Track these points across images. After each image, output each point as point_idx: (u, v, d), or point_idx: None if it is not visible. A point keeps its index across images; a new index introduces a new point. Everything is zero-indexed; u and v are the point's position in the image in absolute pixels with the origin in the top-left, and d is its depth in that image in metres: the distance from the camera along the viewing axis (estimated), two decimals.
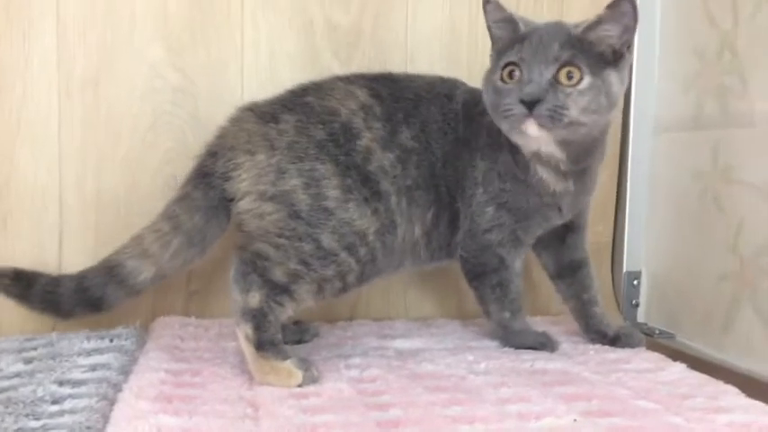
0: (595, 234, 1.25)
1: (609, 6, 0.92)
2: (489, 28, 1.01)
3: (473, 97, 1.05)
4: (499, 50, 0.99)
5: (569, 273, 1.13)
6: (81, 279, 1.01)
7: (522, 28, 0.97)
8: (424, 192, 1.01)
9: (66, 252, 1.17)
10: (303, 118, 0.97)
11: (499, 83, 0.96)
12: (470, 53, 1.27)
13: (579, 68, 0.91)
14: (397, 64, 1.23)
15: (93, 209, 1.18)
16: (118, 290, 1.01)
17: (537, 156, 0.99)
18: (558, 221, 1.07)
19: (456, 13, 1.27)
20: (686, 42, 1.21)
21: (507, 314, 1.06)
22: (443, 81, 1.08)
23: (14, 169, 1.15)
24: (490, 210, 1.03)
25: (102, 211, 1.18)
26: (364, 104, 1.00)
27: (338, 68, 1.22)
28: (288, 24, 1.22)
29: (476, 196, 1.03)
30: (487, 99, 0.98)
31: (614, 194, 1.33)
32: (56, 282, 1.03)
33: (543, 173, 1.01)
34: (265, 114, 0.98)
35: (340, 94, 1.00)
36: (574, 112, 0.91)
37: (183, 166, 1.17)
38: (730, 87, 1.11)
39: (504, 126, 0.96)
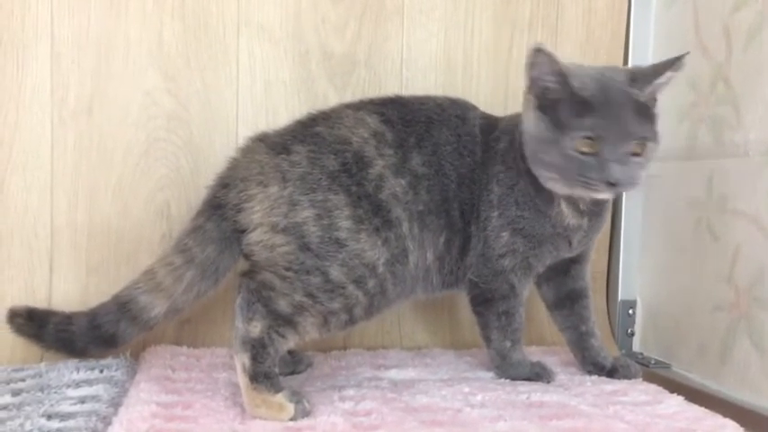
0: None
1: (671, 64, 0.95)
2: (535, 79, 0.95)
3: (488, 123, 1.07)
4: (556, 110, 0.93)
5: (568, 303, 1.12)
6: (93, 316, 1.00)
7: (576, 85, 0.92)
8: (435, 216, 1.00)
9: (57, 278, 1.16)
10: (315, 148, 0.96)
11: (572, 152, 0.92)
12: (465, 81, 1.28)
13: (650, 139, 0.93)
14: (392, 92, 1.23)
15: (85, 235, 1.17)
16: (131, 326, 1.00)
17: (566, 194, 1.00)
18: (566, 254, 1.07)
19: (451, 43, 1.27)
20: (680, 73, 1.22)
21: (508, 343, 1.05)
22: (454, 102, 1.08)
23: (6, 195, 1.15)
24: (505, 234, 1.02)
25: (93, 237, 1.17)
26: (376, 131, 0.99)
27: (334, 96, 1.22)
28: (283, 52, 1.22)
29: (491, 220, 1.03)
30: (544, 156, 0.95)
31: (609, 223, 1.33)
32: (68, 320, 1.02)
33: (564, 207, 1.01)
34: (276, 145, 0.98)
35: (350, 122, 0.99)
36: (641, 179, 0.94)
37: (177, 193, 1.19)
38: (724, 118, 1.12)
39: (574, 188, 0.95)
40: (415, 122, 1.02)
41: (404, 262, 0.97)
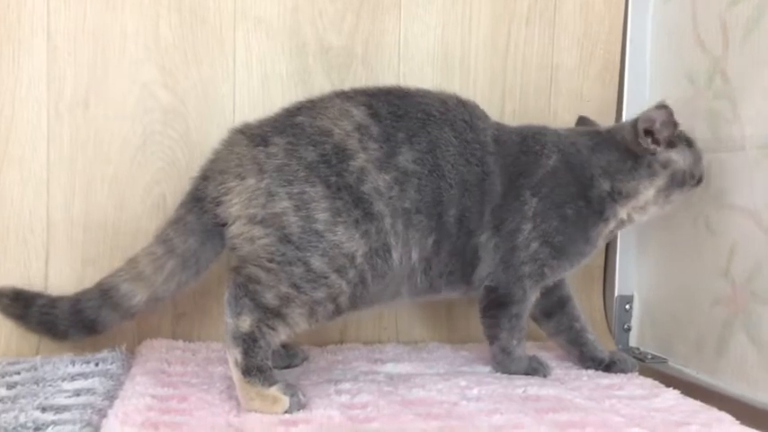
0: None
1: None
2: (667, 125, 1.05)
3: (505, 133, 1.07)
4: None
5: (558, 309, 1.13)
6: (76, 301, 1.02)
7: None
8: (425, 217, 0.99)
9: (53, 272, 1.16)
10: (293, 140, 0.95)
11: None
12: (462, 76, 1.28)
13: None
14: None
15: (81, 229, 1.17)
16: (112, 312, 1.01)
17: (624, 220, 1.08)
18: (569, 272, 1.11)
19: (449, 37, 1.27)
20: (677, 68, 1.22)
21: (515, 342, 1.06)
22: (462, 104, 1.05)
23: (1, 189, 1.14)
24: (535, 245, 1.03)
25: (89, 231, 1.17)
26: (360, 125, 0.97)
27: (330, 90, 1.21)
28: (280, 46, 1.22)
29: (522, 232, 1.03)
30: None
31: None
32: (52, 303, 1.04)
33: (609, 229, 1.08)
34: (256, 137, 0.97)
35: (334, 113, 0.98)
36: None
37: (173, 187, 1.18)
38: (721, 112, 1.12)
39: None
40: (407, 117, 1.00)
41: (385, 257, 0.96)
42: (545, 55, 1.31)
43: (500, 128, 1.08)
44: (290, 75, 1.22)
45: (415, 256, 1.00)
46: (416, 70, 1.26)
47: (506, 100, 1.30)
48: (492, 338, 1.07)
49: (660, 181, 1.06)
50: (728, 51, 1.11)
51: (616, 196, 1.06)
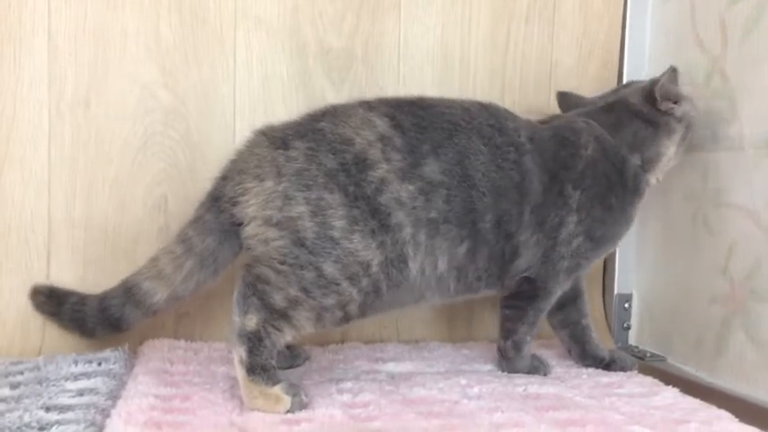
0: None
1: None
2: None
3: (540, 130, 1.06)
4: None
5: (570, 302, 1.13)
6: (102, 299, 1.04)
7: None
8: (454, 226, 0.97)
9: (54, 272, 1.16)
10: (314, 145, 0.95)
11: None
12: (462, 75, 1.28)
13: None
14: (390, 87, 1.24)
15: (82, 229, 1.17)
16: (135, 310, 1.03)
17: (654, 185, 1.11)
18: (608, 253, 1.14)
19: (448, 37, 1.27)
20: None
21: (529, 338, 1.07)
22: (485, 109, 1.04)
23: (2, 189, 1.14)
24: (578, 240, 1.04)
25: (90, 231, 1.17)
26: (383, 136, 0.96)
27: (331, 91, 1.22)
28: (281, 46, 1.22)
29: (567, 225, 1.03)
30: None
31: None
32: (82, 301, 1.07)
33: (641, 203, 1.10)
34: (277, 139, 0.97)
35: (356, 122, 0.97)
36: None
37: (174, 188, 1.19)
38: (720, 111, 1.12)
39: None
40: (432, 128, 0.98)
41: (400, 267, 0.95)
42: (544, 52, 1.31)
43: (532, 125, 1.07)
44: (290, 76, 1.22)
45: (442, 265, 0.98)
46: (416, 70, 1.26)
47: (506, 98, 1.30)
48: (508, 332, 1.07)
49: (678, 135, 1.10)
50: (727, 51, 1.12)
51: (646, 166, 1.08)
